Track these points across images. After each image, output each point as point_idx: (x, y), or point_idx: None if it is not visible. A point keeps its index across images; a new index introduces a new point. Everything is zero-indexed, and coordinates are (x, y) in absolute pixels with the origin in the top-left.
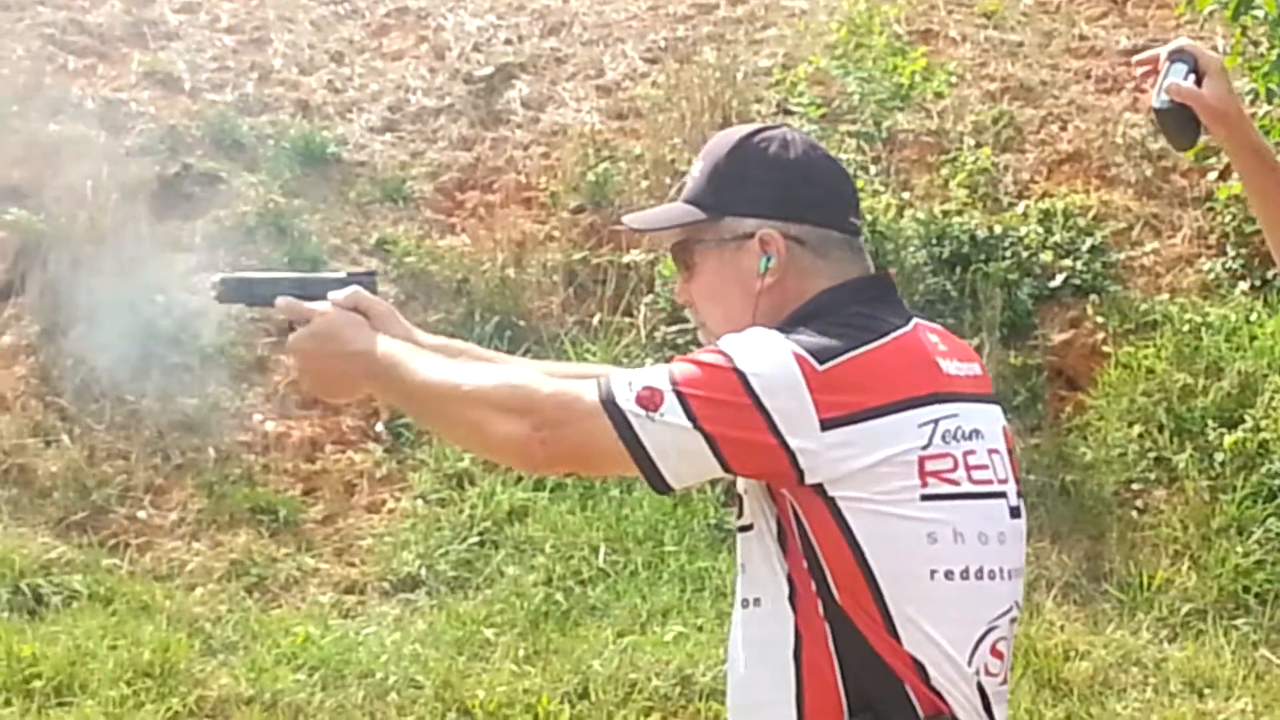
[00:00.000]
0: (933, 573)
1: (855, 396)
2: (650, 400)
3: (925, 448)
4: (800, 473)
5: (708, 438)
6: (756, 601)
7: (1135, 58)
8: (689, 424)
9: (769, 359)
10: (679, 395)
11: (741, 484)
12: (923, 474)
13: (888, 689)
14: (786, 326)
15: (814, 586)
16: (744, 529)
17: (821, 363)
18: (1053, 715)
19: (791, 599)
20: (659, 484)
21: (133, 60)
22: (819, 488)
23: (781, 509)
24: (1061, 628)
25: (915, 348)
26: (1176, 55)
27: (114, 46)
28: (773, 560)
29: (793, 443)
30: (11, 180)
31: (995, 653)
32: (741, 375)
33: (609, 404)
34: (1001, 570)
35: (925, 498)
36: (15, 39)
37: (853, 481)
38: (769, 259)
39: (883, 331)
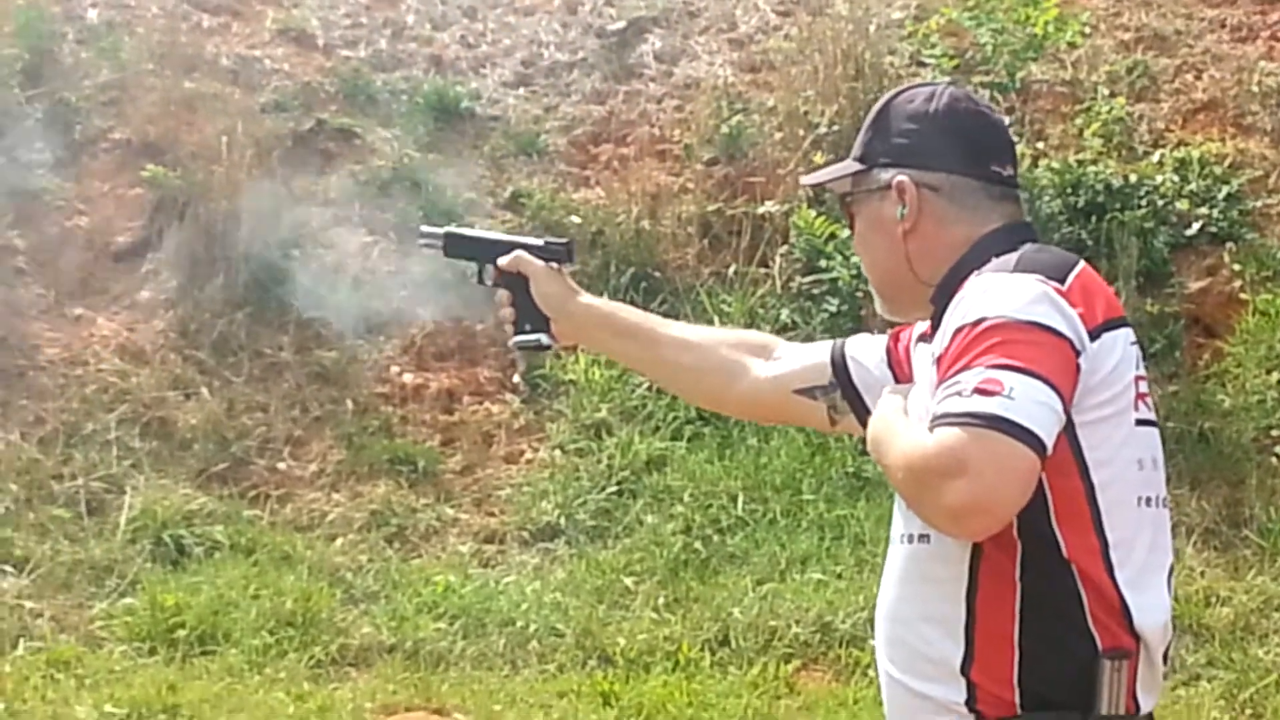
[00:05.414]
0: (1140, 499)
1: (1090, 312)
2: (993, 387)
3: (1137, 367)
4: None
5: (1049, 383)
6: (924, 538)
7: None
8: (1034, 379)
9: (1024, 292)
10: (1002, 368)
11: None
12: (1138, 396)
13: (1070, 623)
14: (954, 275)
15: (1016, 529)
16: None
17: (1062, 281)
18: (1194, 660)
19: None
20: (1043, 451)
21: (266, 17)
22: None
23: None
24: (1202, 574)
25: (1096, 275)
26: None
27: (248, 4)
28: None
29: (1081, 360)
30: (148, 137)
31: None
32: (1017, 320)
33: (967, 418)
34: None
35: (1139, 422)
36: None
37: (1093, 397)
38: (904, 207)
39: (1076, 259)
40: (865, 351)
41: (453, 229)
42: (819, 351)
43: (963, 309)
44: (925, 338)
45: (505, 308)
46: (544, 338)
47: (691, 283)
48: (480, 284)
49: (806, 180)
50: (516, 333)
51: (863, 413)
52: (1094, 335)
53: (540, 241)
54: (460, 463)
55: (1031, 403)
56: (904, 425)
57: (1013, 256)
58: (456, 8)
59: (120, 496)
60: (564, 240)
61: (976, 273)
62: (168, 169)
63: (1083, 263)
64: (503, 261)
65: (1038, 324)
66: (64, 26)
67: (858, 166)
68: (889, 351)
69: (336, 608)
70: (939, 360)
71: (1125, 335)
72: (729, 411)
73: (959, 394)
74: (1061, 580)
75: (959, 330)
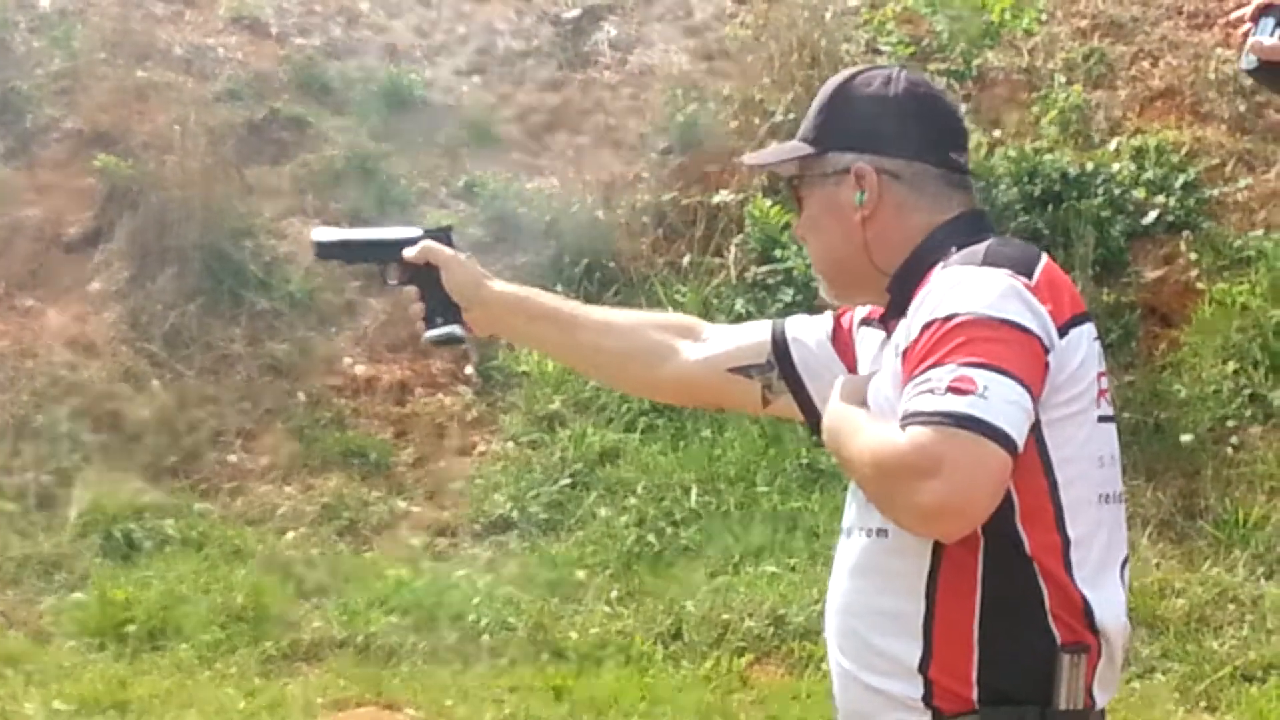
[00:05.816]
0: (1099, 496)
1: (1058, 308)
2: (966, 386)
3: (1100, 362)
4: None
5: (1020, 381)
6: (882, 533)
7: (1231, 15)
8: (1006, 378)
9: (994, 287)
10: (974, 366)
11: None
12: (1100, 393)
13: (1030, 619)
14: (913, 264)
15: (981, 526)
16: None
17: (1029, 276)
18: (1149, 652)
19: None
20: (1015, 451)
21: (220, 6)
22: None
23: None
24: (1157, 565)
25: (1058, 268)
26: (1265, 9)
27: None
28: None
29: (1050, 358)
30: (100, 126)
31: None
32: (989, 316)
33: (941, 417)
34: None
35: (1100, 419)
36: None
37: (1060, 395)
38: (863, 193)
39: (1039, 251)
40: (807, 332)
41: (321, 236)
42: (755, 331)
43: (931, 303)
44: (870, 321)
45: (414, 304)
46: (457, 329)
47: (646, 273)
48: (385, 284)
49: (750, 160)
50: (428, 328)
51: (802, 394)
52: (1062, 332)
53: (419, 231)
54: (412, 455)
55: (1004, 402)
56: (868, 419)
57: (979, 248)
58: None
59: (70, 490)
60: (445, 226)
61: (942, 264)
62: (120, 159)
63: (1045, 256)
64: (410, 254)
65: (1009, 321)
66: (16, 15)
67: (808, 149)
68: (833, 332)
69: (287, 602)
70: (906, 354)
71: (1089, 331)
72: (656, 395)
73: (931, 392)
74: (1023, 578)
75: (929, 325)
